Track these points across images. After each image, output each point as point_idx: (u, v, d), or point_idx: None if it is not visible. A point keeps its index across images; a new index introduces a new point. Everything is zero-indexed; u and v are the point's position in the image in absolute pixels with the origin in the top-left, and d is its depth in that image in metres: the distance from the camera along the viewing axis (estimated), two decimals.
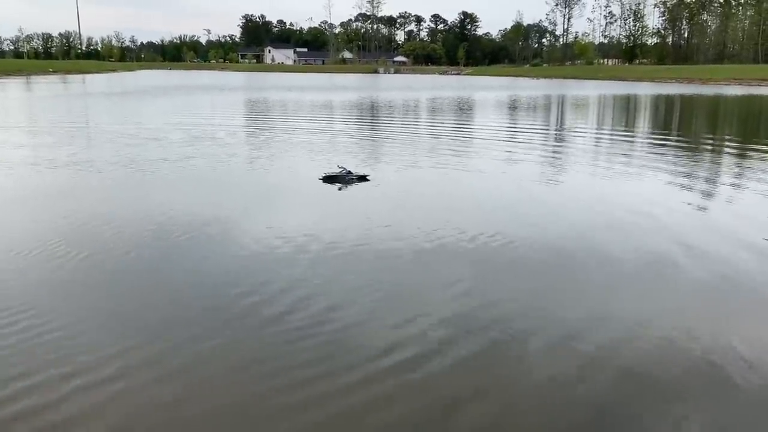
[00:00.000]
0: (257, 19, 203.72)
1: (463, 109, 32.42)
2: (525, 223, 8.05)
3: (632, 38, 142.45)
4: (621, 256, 6.63)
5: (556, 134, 20.64)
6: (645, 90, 56.06)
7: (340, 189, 9.96)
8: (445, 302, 5.33)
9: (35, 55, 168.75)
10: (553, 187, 10.95)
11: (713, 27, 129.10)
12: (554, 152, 15.79)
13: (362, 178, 10.46)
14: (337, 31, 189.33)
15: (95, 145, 15.84)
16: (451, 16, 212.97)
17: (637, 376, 4.15)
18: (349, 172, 10.47)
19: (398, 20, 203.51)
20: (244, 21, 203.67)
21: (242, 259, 6.45)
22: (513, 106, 34.54)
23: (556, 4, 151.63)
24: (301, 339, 4.63)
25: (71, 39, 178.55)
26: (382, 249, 6.74)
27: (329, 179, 10.39)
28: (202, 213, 8.40)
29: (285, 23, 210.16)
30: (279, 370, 4.21)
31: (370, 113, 29.00)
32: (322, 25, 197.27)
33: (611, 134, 20.51)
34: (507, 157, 14.21)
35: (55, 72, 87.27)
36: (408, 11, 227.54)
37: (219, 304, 5.29)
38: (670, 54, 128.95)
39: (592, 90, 55.62)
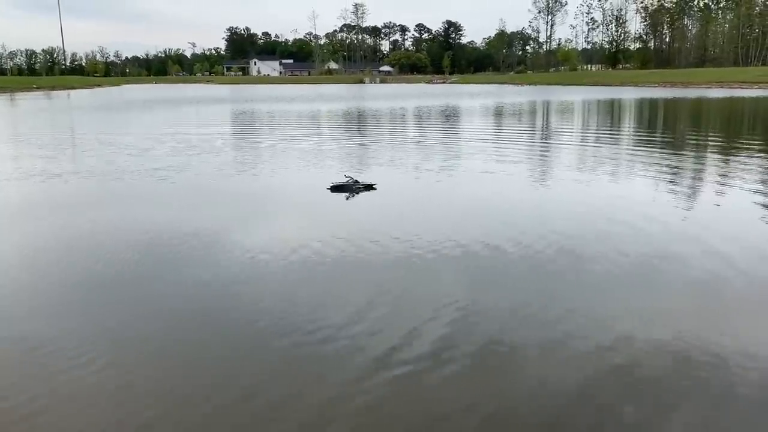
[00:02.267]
0: (242, 32, 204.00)
1: (456, 116, 32.57)
2: (521, 228, 8.09)
3: (615, 44, 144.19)
4: (612, 259, 6.66)
5: (546, 139, 20.83)
6: (629, 94, 56.67)
7: (347, 198, 10.05)
8: (441, 308, 5.34)
9: (19, 71, 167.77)
10: (546, 191, 11.07)
11: (694, 31, 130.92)
12: (546, 157, 15.96)
13: (369, 187, 10.57)
14: (322, 42, 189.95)
15: (93, 157, 15.75)
16: (435, 26, 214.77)
17: (630, 377, 4.18)
18: (357, 181, 10.60)
19: (383, 30, 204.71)
20: (228, 34, 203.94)
21: (250, 270, 6.44)
22: (503, 113, 34.80)
23: (539, 12, 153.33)
24: (298, 350, 4.62)
25: (55, 55, 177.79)
26: (386, 257, 6.78)
27: (337, 188, 10.51)
28: (208, 224, 8.41)
29: (270, 35, 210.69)
30: (272, 378, 4.22)
31: (366, 122, 29.03)
32: (308, 36, 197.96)
33: (599, 138, 20.69)
34: (502, 162, 14.34)
35: (39, 88, 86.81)
36: (392, 21, 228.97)
37: (224, 318, 5.27)
38: (652, 58, 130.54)
39: (577, 95, 56.10)
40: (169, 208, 9.76)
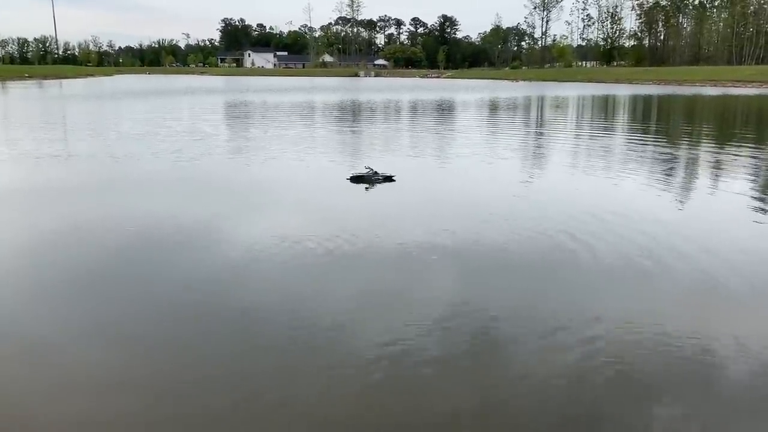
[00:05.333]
0: (237, 23, 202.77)
1: (459, 109, 32.62)
2: (533, 224, 8.12)
3: (610, 40, 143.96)
4: (607, 256, 6.63)
5: (549, 132, 20.90)
6: (623, 91, 56.84)
7: (367, 189, 10.13)
8: (439, 304, 5.34)
9: (10, 60, 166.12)
10: (553, 185, 11.25)
11: (688, 29, 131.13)
12: (547, 152, 16.07)
13: (388, 179, 10.64)
14: (317, 34, 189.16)
15: (90, 145, 15.65)
16: (431, 20, 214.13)
17: (624, 375, 4.18)
18: (376, 173, 10.66)
19: (378, 24, 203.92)
20: (223, 25, 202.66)
21: (258, 262, 6.41)
22: (504, 107, 34.87)
23: (534, 7, 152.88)
24: (295, 343, 4.58)
25: (47, 44, 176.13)
26: (393, 252, 6.73)
27: (357, 179, 10.61)
28: (222, 214, 8.40)
29: (265, 27, 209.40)
30: (265, 377, 4.17)
31: (372, 114, 29.00)
32: (302, 28, 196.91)
33: (594, 134, 20.77)
34: (509, 156, 14.58)
35: (31, 77, 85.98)
36: (388, 15, 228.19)
37: (226, 312, 5.20)
38: (646, 56, 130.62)
39: (572, 91, 56.24)
40: (170, 198, 9.69)
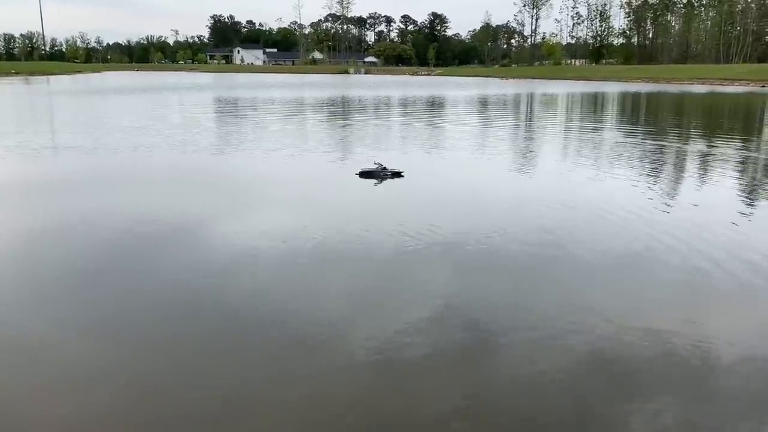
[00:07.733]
0: (226, 20, 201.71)
1: (454, 106, 32.61)
2: (530, 222, 8.20)
3: (599, 39, 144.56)
4: (602, 254, 6.65)
5: (539, 130, 21.00)
6: (612, 89, 57.13)
7: (376, 184, 10.17)
8: (434, 301, 5.34)
9: None
10: (542, 183, 11.34)
11: (677, 28, 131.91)
12: (543, 147, 16.18)
13: (397, 175, 10.70)
14: (306, 31, 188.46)
15: (85, 139, 15.55)
16: (421, 17, 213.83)
17: (616, 373, 4.19)
18: (385, 168, 10.72)
19: (368, 21, 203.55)
20: (212, 21, 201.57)
21: (269, 257, 6.39)
22: (496, 104, 34.94)
23: (524, 5, 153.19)
24: (288, 341, 4.56)
25: (34, 40, 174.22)
26: (390, 248, 6.74)
27: (365, 174, 10.67)
28: (232, 208, 8.43)
29: (254, 23, 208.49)
30: (259, 375, 4.13)
31: (371, 110, 28.97)
32: (292, 25, 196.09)
33: (584, 132, 20.88)
34: (509, 150, 14.73)
35: (17, 74, 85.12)
36: (378, 12, 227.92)
37: (220, 308, 5.15)
38: (635, 54, 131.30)
39: (561, 89, 56.44)
40: (172, 195, 9.62)
